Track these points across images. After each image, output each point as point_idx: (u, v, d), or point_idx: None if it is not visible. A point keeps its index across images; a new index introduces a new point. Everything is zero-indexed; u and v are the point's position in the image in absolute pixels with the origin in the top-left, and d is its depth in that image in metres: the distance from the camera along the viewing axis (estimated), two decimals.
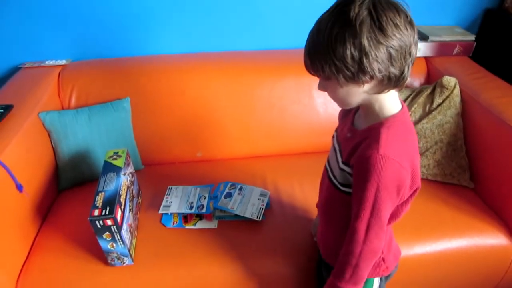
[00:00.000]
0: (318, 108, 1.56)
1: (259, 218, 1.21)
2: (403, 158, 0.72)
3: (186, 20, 1.61)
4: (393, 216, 0.81)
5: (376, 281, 0.92)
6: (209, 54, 1.64)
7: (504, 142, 1.27)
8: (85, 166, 1.37)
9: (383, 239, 0.78)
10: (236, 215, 1.23)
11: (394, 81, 0.70)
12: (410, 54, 0.69)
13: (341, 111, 0.94)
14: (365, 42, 0.65)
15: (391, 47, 0.66)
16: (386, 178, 0.70)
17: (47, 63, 1.58)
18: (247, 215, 1.21)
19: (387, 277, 0.95)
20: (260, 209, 1.23)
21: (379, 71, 0.67)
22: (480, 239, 1.22)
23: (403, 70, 0.70)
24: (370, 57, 0.66)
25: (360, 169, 0.73)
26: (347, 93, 0.73)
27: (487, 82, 1.45)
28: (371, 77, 0.69)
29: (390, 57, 0.67)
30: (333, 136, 0.92)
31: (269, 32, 1.69)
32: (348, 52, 0.66)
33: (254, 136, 1.56)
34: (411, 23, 0.68)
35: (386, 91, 0.72)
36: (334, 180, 0.85)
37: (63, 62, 1.58)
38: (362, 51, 0.65)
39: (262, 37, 1.70)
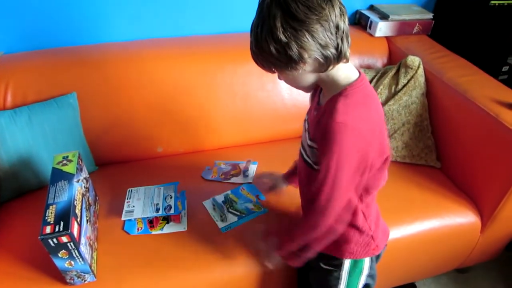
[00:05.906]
0: (283, 94, 1.50)
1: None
2: (363, 125, 0.72)
3: (137, 2, 1.46)
4: (369, 188, 0.81)
5: (367, 261, 0.90)
6: (163, 40, 1.50)
7: (469, 120, 1.28)
8: (30, 173, 1.22)
9: (344, 216, 0.78)
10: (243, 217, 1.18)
11: (333, 58, 0.70)
12: (337, 27, 0.69)
13: (310, 94, 0.93)
14: (282, 35, 0.67)
15: (311, 30, 0.66)
16: (346, 146, 0.71)
17: None
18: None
19: (377, 257, 0.93)
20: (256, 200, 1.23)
21: (309, 55, 0.69)
22: (450, 219, 1.24)
23: (337, 45, 0.69)
24: (294, 47, 0.67)
25: (321, 140, 0.74)
26: (293, 78, 0.76)
27: (449, 61, 1.46)
28: (304, 62, 0.70)
29: (315, 39, 0.67)
30: (304, 120, 0.91)
31: (227, 14, 1.58)
32: (272, 48, 0.68)
33: (217, 127, 1.48)
34: None
35: (331, 67, 0.72)
36: (308, 160, 0.84)
37: None
38: (283, 44, 0.67)
39: (220, 19, 1.59)
